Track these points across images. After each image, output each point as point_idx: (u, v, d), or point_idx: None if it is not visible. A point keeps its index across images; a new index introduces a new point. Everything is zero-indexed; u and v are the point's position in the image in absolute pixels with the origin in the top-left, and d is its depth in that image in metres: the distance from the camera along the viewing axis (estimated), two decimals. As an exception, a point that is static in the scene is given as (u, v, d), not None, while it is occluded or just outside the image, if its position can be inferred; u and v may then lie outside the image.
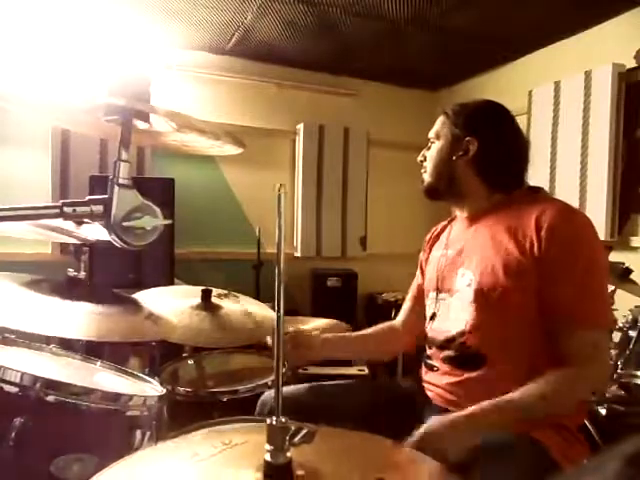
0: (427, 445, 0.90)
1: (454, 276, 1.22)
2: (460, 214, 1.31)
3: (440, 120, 1.28)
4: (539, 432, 1.03)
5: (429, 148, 1.29)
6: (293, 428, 0.63)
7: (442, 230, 1.42)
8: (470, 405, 1.10)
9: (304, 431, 0.63)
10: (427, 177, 1.29)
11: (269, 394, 1.32)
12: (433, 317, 1.26)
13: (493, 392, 1.06)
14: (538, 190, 1.23)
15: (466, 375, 1.14)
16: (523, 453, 1.00)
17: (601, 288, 1.10)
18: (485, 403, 1.00)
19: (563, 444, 1.05)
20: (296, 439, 0.62)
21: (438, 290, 1.27)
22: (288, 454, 0.62)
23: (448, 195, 1.28)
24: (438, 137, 1.27)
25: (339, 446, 0.77)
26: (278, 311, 0.67)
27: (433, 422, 0.97)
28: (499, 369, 1.09)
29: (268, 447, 0.62)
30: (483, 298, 1.12)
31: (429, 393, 1.23)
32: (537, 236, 1.07)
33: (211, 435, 0.80)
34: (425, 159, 1.30)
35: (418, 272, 1.47)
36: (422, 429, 0.94)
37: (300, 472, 0.62)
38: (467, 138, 1.21)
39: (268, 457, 0.62)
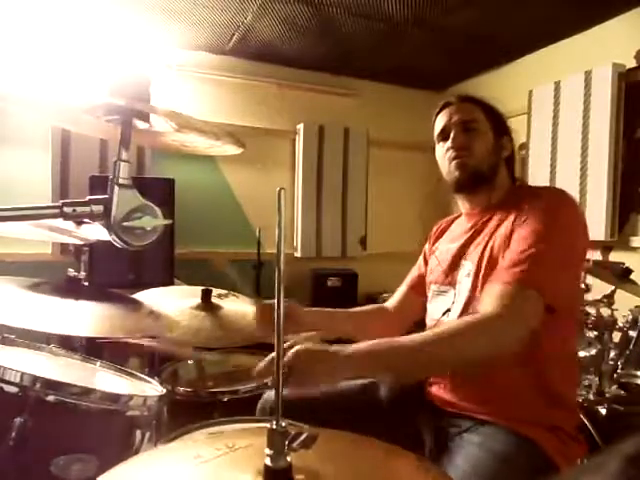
0: (302, 363, 0.90)
1: (456, 268, 1.23)
2: (467, 209, 1.31)
3: (471, 107, 1.25)
4: (534, 432, 1.03)
5: (464, 132, 1.22)
6: (293, 433, 0.63)
7: (448, 225, 1.42)
8: (467, 403, 1.11)
9: (304, 436, 0.63)
10: (474, 161, 1.20)
11: (270, 394, 1.32)
12: (447, 312, 1.23)
13: (490, 385, 1.06)
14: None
15: None
16: (519, 453, 1.00)
17: (553, 262, 1.05)
18: (378, 340, 0.98)
19: (559, 444, 1.05)
20: (295, 444, 0.62)
21: (441, 283, 1.28)
22: (288, 458, 0.62)
23: (486, 184, 1.23)
24: (477, 124, 1.22)
25: (340, 450, 0.77)
26: (278, 311, 0.67)
27: (314, 345, 0.96)
28: (496, 361, 1.08)
29: (268, 451, 0.62)
30: (480, 287, 1.13)
31: (427, 393, 1.23)
32: (514, 218, 1.10)
33: (216, 437, 0.80)
34: (466, 144, 1.21)
35: (421, 262, 1.46)
36: (302, 346, 0.93)
37: (300, 476, 0.62)
38: (506, 136, 1.25)
39: (268, 461, 0.62)
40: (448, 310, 1.22)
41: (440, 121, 1.27)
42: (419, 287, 1.44)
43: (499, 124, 1.26)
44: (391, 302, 1.50)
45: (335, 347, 0.95)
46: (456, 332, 0.98)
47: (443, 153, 1.25)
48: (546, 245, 1.03)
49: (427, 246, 1.46)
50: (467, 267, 1.19)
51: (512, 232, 1.09)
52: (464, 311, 1.15)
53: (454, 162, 1.22)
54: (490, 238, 1.15)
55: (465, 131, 1.22)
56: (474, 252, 1.19)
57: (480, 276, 1.13)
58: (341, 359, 0.93)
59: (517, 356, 1.07)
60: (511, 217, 1.13)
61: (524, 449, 1.01)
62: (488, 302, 1.02)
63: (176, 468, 0.69)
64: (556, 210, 1.09)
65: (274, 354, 0.84)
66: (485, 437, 1.04)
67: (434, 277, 1.31)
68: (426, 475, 0.73)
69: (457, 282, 1.22)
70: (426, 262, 1.44)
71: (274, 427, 0.63)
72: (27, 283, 1.23)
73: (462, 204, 1.32)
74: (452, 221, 1.42)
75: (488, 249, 1.14)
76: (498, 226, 1.15)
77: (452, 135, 1.23)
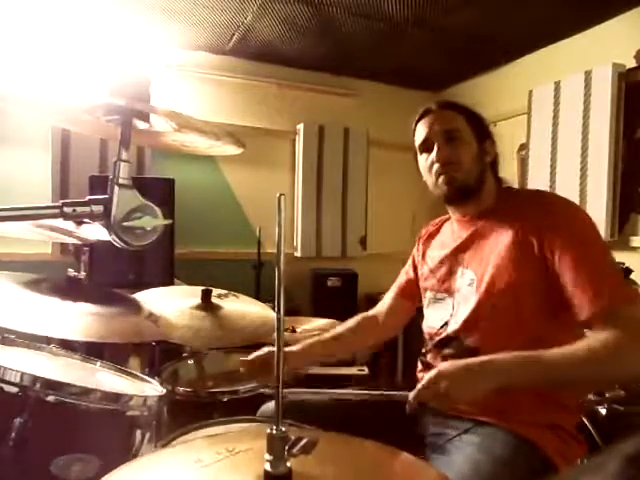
0: (438, 384, 0.92)
1: (453, 275, 1.23)
2: (457, 217, 1.29)
3: (452, 114, 1.21)
4: (534, 433, 1.03)
5: (448, 142, 1.19)
6: (293, 438, 0.63)
7: (437, 230, 1.40)
8: (466, 405, 1.11)
9: (304, 441, 0.63)
10: (461, 175, 1.17)
11: (269, 405, 1.30)
12: (446, 324, 1.23)
13: (492, 393, 1.06)
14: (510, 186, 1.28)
15: None
16: (518, 455, 1.00)
17: (610, 267, 1.05)
18: (509, 353, 0.98)
19: (559, 444, 1.05)
20: (295, 449, 0.62)
21: (436, 290, 1.27)
22: (288, 464, 0.62)
23: (474, 195, 1.21)
24: (460, 133, 1.19)
25: (340, 452, 0.77)
26: (278, 311, 0.66)
27: (447, 364, 0.98)
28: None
29: (268, 457, 0.62)
30: (484, 297, 1.12)
31: None
32: (537, 234, 1.07)
33: (216, 441, 0.80)
34: (451, 157, 1.18)
35: (409, 267, 1.46)
36: (436, 370, 0.96)
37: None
38: (488, 140, 1.23)
39: (268, 467, 0.62)
40: (447, 322, 1.22)
41: (421, 130, 1.23)
42: (408, 292, 1.44)
43: (481, 129, 1.23)
44: (382, 307, 1.49)
45: (473, 363, 0.97)
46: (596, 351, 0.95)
47: (428, 166, 1.22)
48: (604, 256, 1.05)
49: (415, 250, 1.45)
50: (468, 276, 1.18)
51: (549, 255, 1.06)
52: (468, 321, 1.15)
53: (441, 177, 1.19)
54: (489, 248, 1.15)
55: (449, 141, 1.18)
56: (473, 261, 1.18)
57: (483, 287, 1.13)
58: (483, 378, 0.96)
59: None
60: (510, 227, 1.12)
61: (523, 451, 1.01)
62: (609, 329, 0.97)
63: (177, 472, 0.70)
64: (582, 220, 1.09)
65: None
66: (484, 438, 1.04)
67: (429, 284, 1.30)
68: (425, 476, 0.73)
69: (455, 290, 1.21)
70: (415, 267, 1.43)
71: (274, 432, 0.62)
72: (25, 279, 1.23)
73: (452, 213, 1.31)
74: (440, 225, 1.40)
75: (489, 259, 1.14)
76: (497, 236, 1.14)
77: (436, 147, 1.19)
